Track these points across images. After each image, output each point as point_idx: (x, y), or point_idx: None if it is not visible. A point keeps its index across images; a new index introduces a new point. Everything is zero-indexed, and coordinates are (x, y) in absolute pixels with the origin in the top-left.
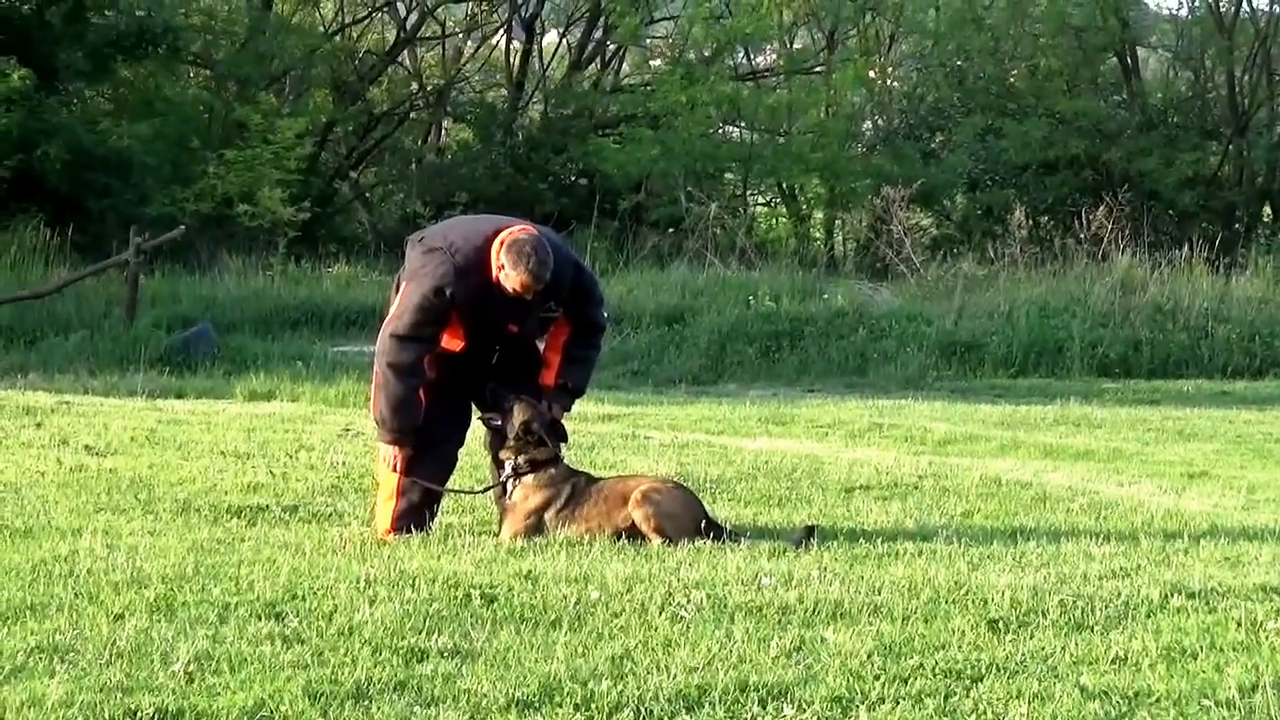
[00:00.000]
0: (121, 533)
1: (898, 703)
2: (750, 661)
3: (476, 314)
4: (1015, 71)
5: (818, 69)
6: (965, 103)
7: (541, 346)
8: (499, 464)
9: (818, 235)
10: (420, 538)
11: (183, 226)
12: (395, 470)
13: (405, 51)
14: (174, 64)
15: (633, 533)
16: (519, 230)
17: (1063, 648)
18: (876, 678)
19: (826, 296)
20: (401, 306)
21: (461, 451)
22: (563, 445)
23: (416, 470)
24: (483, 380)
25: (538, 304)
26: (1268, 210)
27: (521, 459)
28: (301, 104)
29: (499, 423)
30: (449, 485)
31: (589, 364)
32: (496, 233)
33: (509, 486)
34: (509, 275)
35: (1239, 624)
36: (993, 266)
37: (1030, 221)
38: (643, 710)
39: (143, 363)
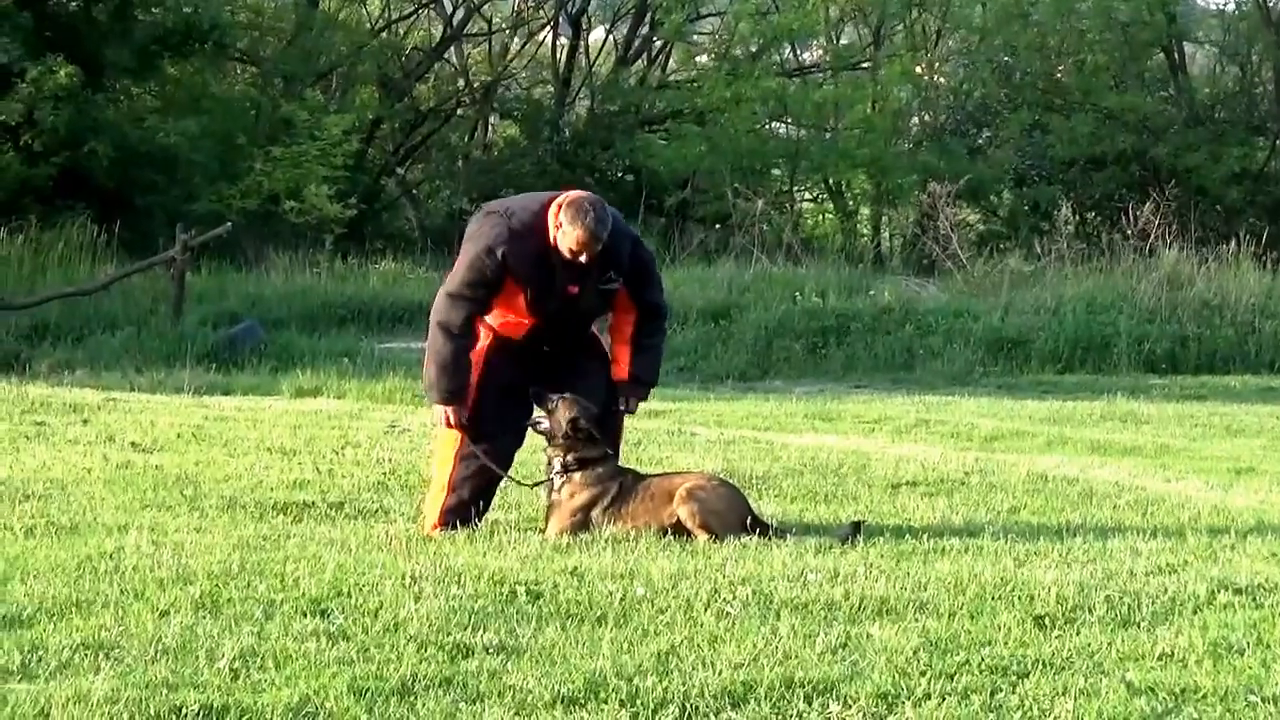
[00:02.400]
0: (167, 529)
1: (943, 699)
2: (796, 658)
3: (532, 279)
4: (1062, 67)
5: (864, 65)
6: (1012, 98)
7: (608, 343)
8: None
9: (864, 231)
10: (466, 534)
11: (229, 223)
12: (450, 426)
13: (452, 48)
14: (220, 61)
15: (679, 529)
16: (578, 193)
17: (1109, 644)
18: (922, 674)
19: (873, 292)
20: (456, 267)
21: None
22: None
23: (472, 461)
24: (547, 377)
25: (596, 271)
26: None
27: (570, 456)
28: (348, 100)
29: (545, 425)
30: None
31: (657, 353)
32: (554, 198)
33: (556, 483)
34: (566, 233)
35: None
36: (1039, 262)
37: (1077, 217)
38: (688, 706)
39: (189, 359)
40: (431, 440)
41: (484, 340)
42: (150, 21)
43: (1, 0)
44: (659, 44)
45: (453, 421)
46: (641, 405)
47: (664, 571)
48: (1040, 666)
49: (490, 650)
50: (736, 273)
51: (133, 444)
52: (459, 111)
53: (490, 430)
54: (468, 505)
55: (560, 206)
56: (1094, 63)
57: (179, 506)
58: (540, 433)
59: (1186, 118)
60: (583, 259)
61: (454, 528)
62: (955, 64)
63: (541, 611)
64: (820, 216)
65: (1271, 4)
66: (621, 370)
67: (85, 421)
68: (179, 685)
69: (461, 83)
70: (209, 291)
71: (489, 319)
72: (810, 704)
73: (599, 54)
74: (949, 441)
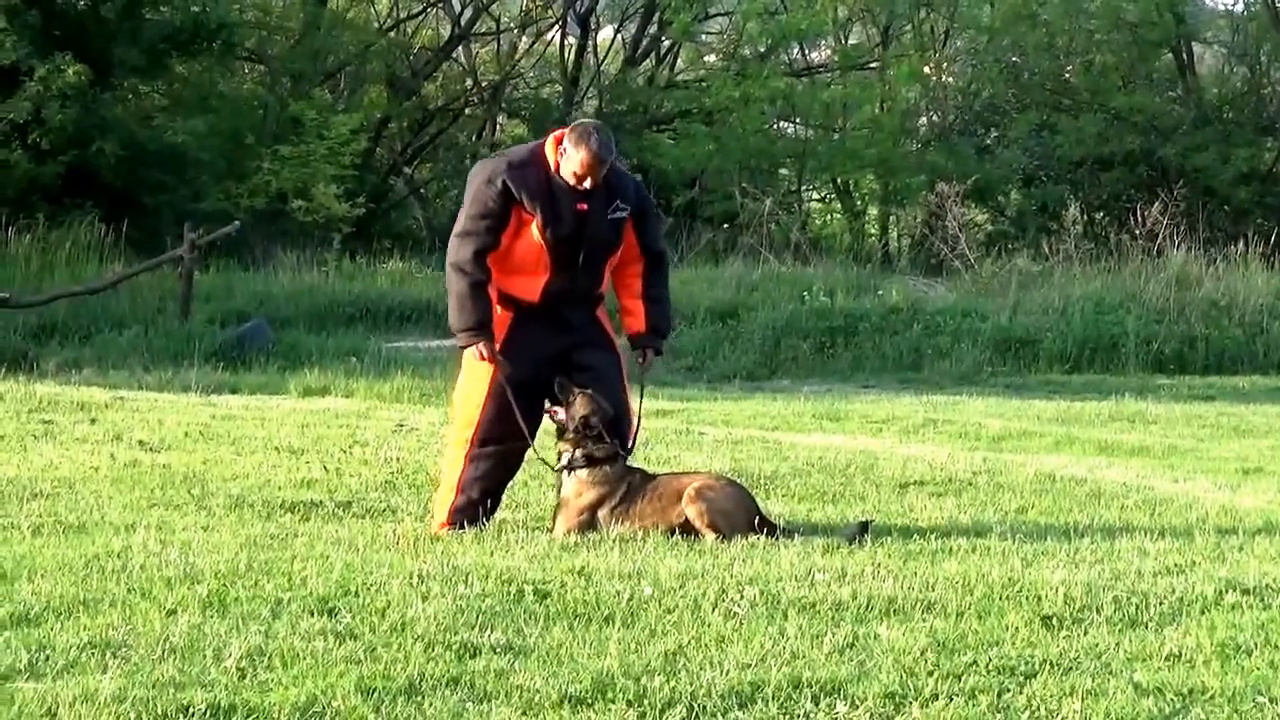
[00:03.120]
0: (175, 528)
1: (951, 699)
2: (803, 658)
3: (537, 199)
4: (1070, 67)
5: (872, 65)
6: (1020, 98)
7: (618, 300)
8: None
9: (872, 231)
10: (473, 533)
11: (237, 222)
12: (484, 360)
13: (460, 47)
14: (228, 60)
15: (686, 529)
16: (578, 121)
17: (1117, 644)
18: (930, 674)
19: (881, 292)
20: (462, 209)
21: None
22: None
23: (482, 462)
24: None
25: (603, 197)
26: None
27: (579, 453)
28: (356, 100)
29: (560, 416)
30: (509, 484)
31: (667, 302)
32: (549, 134)
33: (563, 479)
34: (570, 158)
35: None
36: (1048, 262)
37: (1085, 217)
38: (695, 707)
39: (197, 358)
40: (440, 439)
41: (500, 315)
42: (158, 20)
43: None
44: (667, 44)
45: (485, 355)
46: (649, 404)
47: (671, 571)
48: (1048, 667)
49: (498, 650)
50: (744, 272)
51: (140, 443)
52: (467, 111)
53: (502, 432)
54: (476, 505)
55: (561, 136)
56: (1102, 63)
57: (186, 505)
58: (555, 422)
59: (1195, 118)
60: (587, 184)
61: (462, 527)
62: (963, 64)
63: (549, 611)
64: (828, 216)
65: (1279, 4)
66: (639, 322)
67: (93, 420)
68: (186, 684)
69: (469, 82)
70: (217, 290)
71: (505, 286)
72: (818, 704)
73: (607, 53)
74: (957, 441)
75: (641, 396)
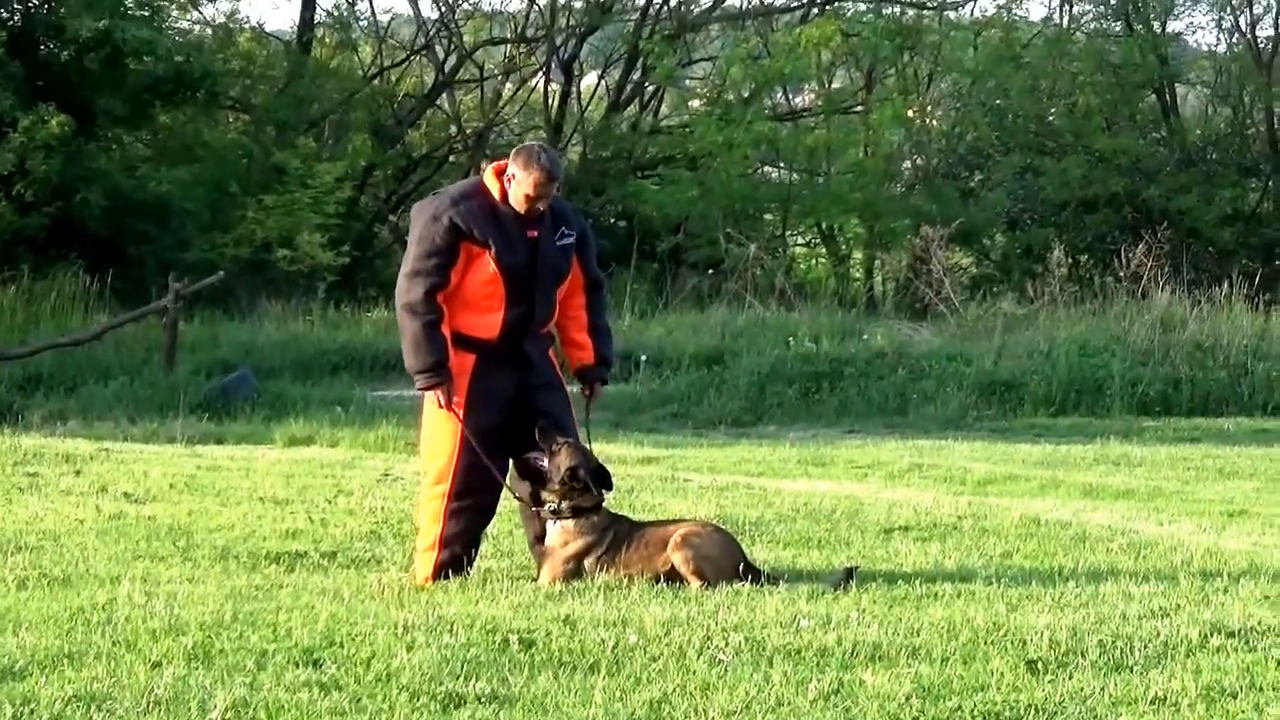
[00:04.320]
0: (160, 580)
1: None
2: (789, 704)
3: (488, 231)
4: (1054, 110)
5: (856, 108)
6: (1004, 141)
7: (561, 334)
8: (537, 502)
9: (857, 275)
10: (458, 582)
11: (221, 272)
12: (443, 407)
13: (444, 95)
14: (212, 109)
15: (672, 576)
16: (520, 146)
17: (1102, 688)
18: None
19: (866, 337)
20: (408, 249)
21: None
22: (607, 493)
23: (462, 515)
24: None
25: (550, 227)
26: None
27: (564, 504)
28: (340, 148)
29: (544, 463)
30: (484, 535)
31: (610, 331)
32: (484, 169)
33: (549, 529)
34: (521, 181)
35: (1279, 663)
36: (1032, 305)
37: (1070, 260)
38: None
39: (182, 409)
40: (418, 492)
41: (460, 360)
42: (142, 70)
43: None
44: (651, 89)
45: (443, 402)
46: (634, 451)
47: (656, 619)
48: (1033, 711)
49: (483, 699)
50: (729, 318)
51: (125, 494)
52: (451, 158)
53: (477, 482)
54: (460, 558)
55: (500, 167)
56: (1086, 105)
57: (171, 557)
58: (536, 468)
59: (1178, 160)
60: (540, 205)
61: (447, 578)
62: (947, 107)
63: (534, 660)
64: (813, 261)
65: (1262, 45)
66: (588, 355)
67: (78, 472)
68: None
69: (454, 129)
70: (202, 340)
71: (462, 326)
72: None
73: (591, 99)
74: (942, 486)
75: (589, 435)
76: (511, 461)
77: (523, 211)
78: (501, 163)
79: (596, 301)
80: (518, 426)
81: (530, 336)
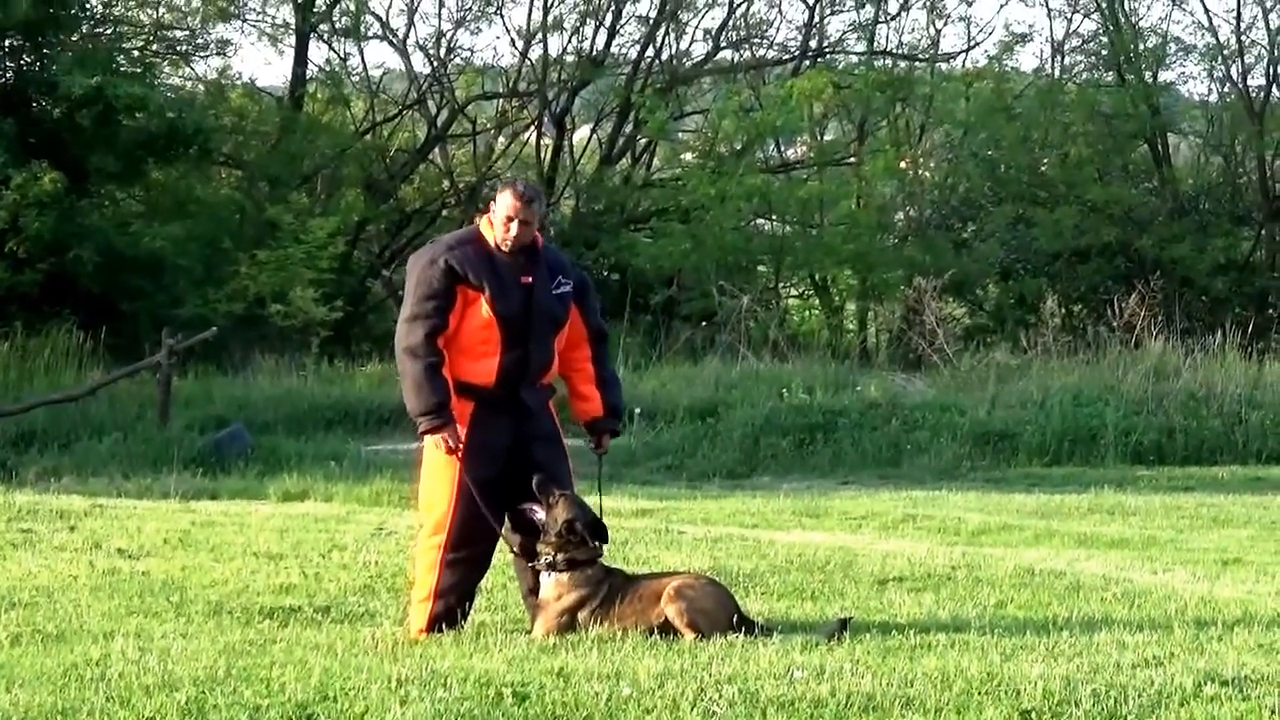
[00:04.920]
0: (153, 635)
1: None
2: None
3: (482, 275)
4: (1046, 160)
5: (849, 160)
6: (996, 192)
7: (569, 388)
8: (530, 556)
9: (850, 327)
10: (452, 636)
11: (215, 328)
12: (449, 453)
13: (436, 149)
14: (205, 165)
15: (666, 628)
16: None
17: None
18: None
19: (860, 388)
20: (406, 295)
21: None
22: (603, 546)
23: (458, 567)
24: (517, 465)
25: (546, 275)
26: None
27: (560, 556)
28: (333, 203)
29: (540, 515)
30: (480, 585)
31: (618, 381)
32: (481, 216)
33: (543, 581)
34: (499, 206)
35: (1273, 711)
36: (1026, 355)
37: (1063, 310)
38: None
39: (176, 464)
40: (414, 543)
41: (459, 407)
42: (135, 127)
43: None
44: (643, 142)
45: (450, 445)
46: (628, 503)
47: (650, 671)
48: None
49: None
50: (723, 370)
51: (119, 550)
52: (444, 212)
53: (474, 534)
54: (455, 610)
55: (489, 206)
56: (1078, 155)
57: (165, 613)
58: (532, 519)
59: (1171, 209)
60: (522, 234)
61: (441, 631)
62: (939, 158)
63: (528, 713)
64: (806, 313)
65: (1254, 94)
66: (596, 407)
67: (72, 528)
68: None
69: (446, 184)
70: (195, 396)
71: (460, 372)
72: None
73: (583, 153)
74: (936, 536)
75: (601, 487)
76: (507, 514)
77: (507, 239)
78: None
79: (601, 353)
80: (514, 478)
81: (527, 384)
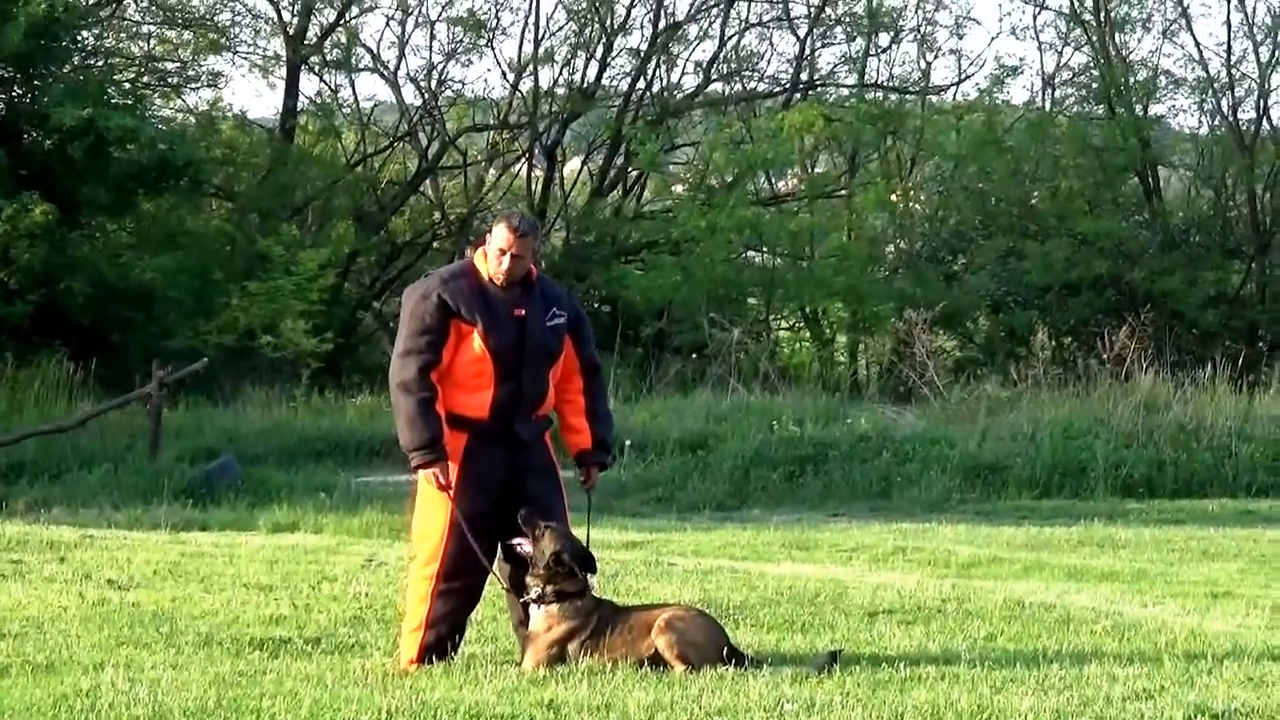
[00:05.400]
0: (143, 667)
1: None
2: None
3: (475, 308)
4: (1037, 193)
5: (839, 193)
6: (987, 224)
7: (560, 419)
8: (519, 589)
9: (841, 359)
10: (442, 667)
11: (205, 359)
12: (441, 489)
13: (427, 181)
14: (196, 197)
15: (656, 660)
16: None
17: None
18: None
19: (850, 420)
20: (399, 329)
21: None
22: (591, 577)
23: (450, 598)
24: (511, 497)
25: (540, 308)
26: None
27: (549, 588)
28: (324, 235)
29: (528, 548)
30: (471, 617)
31: (609, 415)
32: (475, 249)
33: (533, 613)
34: (494, 238)
35: None
36: (1016, 388)
37: (1053, 342)
38: None
39: (166, 495)
40: (405, 574)
41: (453, 439)
42: (125, 159)
43: None
44: (634, 174)
45: (442, 482)
46: (619, 535)
47: (640, 703)
48: None
49: None
50: (713, 402)
51: (109, 581)
52: (435, 244)
53: (466, 566)
54: (445, 641)
55: (483, 239)
56: (1069, 188)
57: (155, 644)
58: (520, 554)
59: (1161, 242)
60: (516, 267)
61: (431, 663)
62: (930, 191)
63: None
64: (797, 345)
65: (1245, 127)
66: (585, 439)
67: (62, 559)
68: None
69: (437, 215)
70: (186, 427)
71: (454, 405)
72: None
73: (574, 185)
74: (926, 569)
75: (590, 519)
76: (500, 546)
77: (501, 273)
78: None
79: (594, 386)
80: (508, 510)
81: (521, 416)
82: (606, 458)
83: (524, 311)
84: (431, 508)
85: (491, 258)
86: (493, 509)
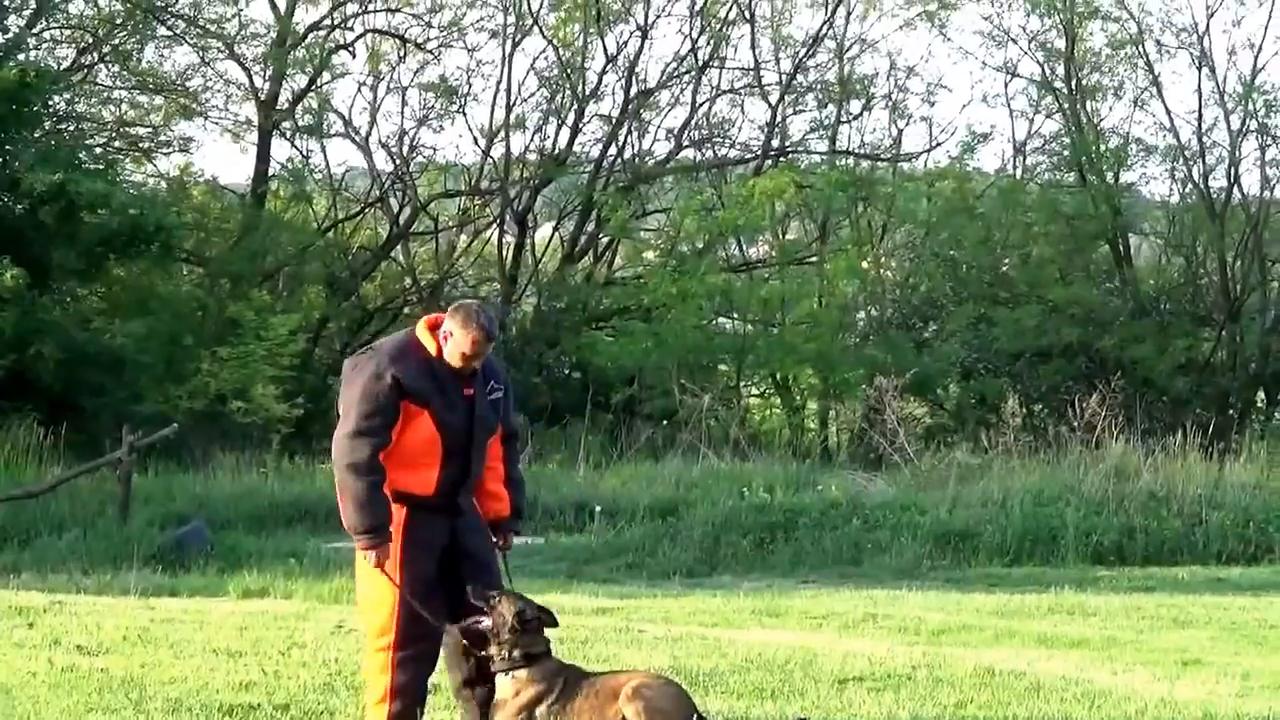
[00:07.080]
0: None
1: None
2: None
3: (428, 390)
4: (1008, 260)
5: (810, 259)
6: (958, 291)
7: (478, 484)
8: (482, 642)
9: (811, 426)
10: None
11: (175, 424)
12: (378, 568)
13: (398, 246)
14: (167, 262)
15: None
16: (454, 305)
17: None
18: None
19: (820, 487)
20: (346, 408)
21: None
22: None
23: (409, 665)
24: (450, 556)
25: (481, 382)
26: (1261, 396)
27: (517, 652)
28: (295, 300)
29: (485, 624)
30: (431, 680)
31: (524, 482)
32: (417, 323)
33: (501, 681)
34: (458, 340)
35: None
36: (987, 455)
37: (1024, 410)
38: None
39: (136, 561)
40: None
41: (398, 517)
42: (96, 223)
43: None
44: (605, 241)
45: (378, 562)
46: (588, 601)
47: None
48: None
49: None
50: (684, 469)
51: (78, 647)
52: (406, 310)
53: (419, 631)
54: (412, 709)
55: (433, 321)
56: (1040, 255)
57: (124, 710)
58: (478, 631)
59: (1132, 309)
60: (475, 363)
61: None
62: (901, 258)
63: None
64: (767, 411)
65: (1215, 195)
66: (505, 507)
67: (31, 625)
68: None
69: (408, 281)
70: (156, 493)
71: (398, 482)
72: None
73: (545, 251)
74: (896, 636)
75: (510, 584)
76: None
77: (458, 368)
78: (434, 316)
79: (512, 453)
80: (449, 568)
81: (465, 490)
82: (520, 524)
83: (472, 391)
84: (377, 580)
85: (452, 352)
86: (437, 570)
